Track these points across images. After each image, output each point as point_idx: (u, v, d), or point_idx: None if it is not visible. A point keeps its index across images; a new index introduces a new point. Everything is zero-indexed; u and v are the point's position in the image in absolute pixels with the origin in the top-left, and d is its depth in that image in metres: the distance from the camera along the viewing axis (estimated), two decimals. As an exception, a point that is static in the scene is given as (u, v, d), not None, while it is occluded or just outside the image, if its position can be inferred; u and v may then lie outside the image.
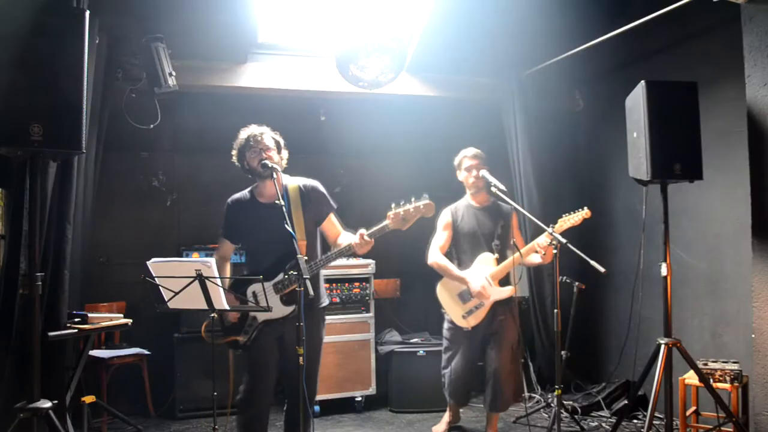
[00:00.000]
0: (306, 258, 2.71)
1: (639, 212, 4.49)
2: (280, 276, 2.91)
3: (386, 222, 2.83)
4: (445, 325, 3.90)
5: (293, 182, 3.08)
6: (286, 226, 2.72)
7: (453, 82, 5.23)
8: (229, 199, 3.14)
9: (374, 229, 2.84)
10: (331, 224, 3.14)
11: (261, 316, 2.96)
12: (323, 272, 3.26)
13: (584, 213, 3.66)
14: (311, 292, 2.55)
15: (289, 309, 2.91)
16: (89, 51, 2.46)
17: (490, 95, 5.26)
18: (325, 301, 3.15)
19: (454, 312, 3.78)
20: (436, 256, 3.82)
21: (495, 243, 3.80)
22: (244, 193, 3.15)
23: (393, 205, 2.83)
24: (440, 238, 3.86)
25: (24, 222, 2.85)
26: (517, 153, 5.10)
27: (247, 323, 2.99)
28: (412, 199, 2.83)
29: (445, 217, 3.89)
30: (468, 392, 4.02)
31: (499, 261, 3.76)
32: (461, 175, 3.90)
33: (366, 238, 2.82)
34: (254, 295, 2.92)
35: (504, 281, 3.78)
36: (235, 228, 3.12)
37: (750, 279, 3.29)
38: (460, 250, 3.86)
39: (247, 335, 2.97)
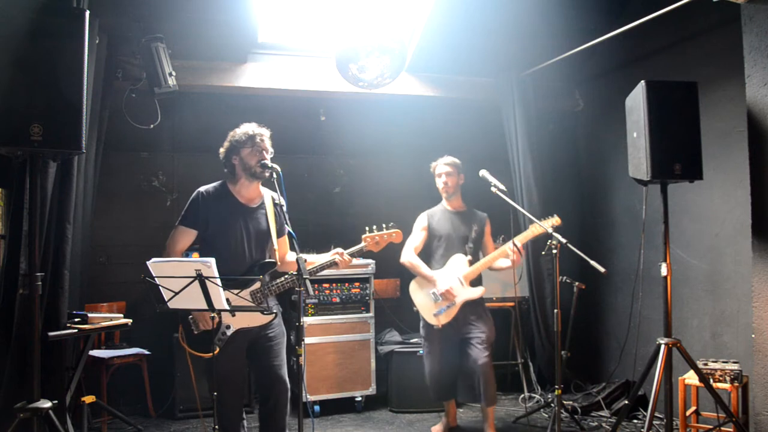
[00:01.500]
0: (279, 263, 2.76)
1: (639, 212, 4.50)
2: (257, 284, 2.91)
3: (363, 244, 3.15)
4: (421, 323, 4.02)
5: (267, 192, 3.10)
6: (285, 225, 2.77)
7: (453, 82, 5.24)
8: (202, 189, 3.02)
9: (353, 249, 3.12)
10: (284, 243, 3.18)
11: (237, 324, 2.92)
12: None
13: (553, 220, 3.75)
14: (311, 291, 2.55)
15: (270, 316, 2.94)
16: (89, 51, 2.46)
17: (490, 95, 5.26)
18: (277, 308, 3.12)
19: (425, 310, 3.91)
20: (409, 255, 3.99)
21: (468, 246, 3.98)
22: (216, 186, 3.04)
23: (367, 229, 3.19)
24: (416, 239, 4.04)
25: (24, 222, 2.85)
26: (517, 153, 5.10)
27: (221, 332, 2.92)
28: (383, 226, 3.20)
29: (421, 220, 4.08)
30: (451, 387, 4.08)
31: (471, 263, 3.91)
32: (436, 181, 4.09)
33: (346, 256, 3.06)
34: (228, 301, 2.71)
35: (475, 282, 3.92)
36: (206, 220, 2.97)
37: (750, 279, 3.29)
38: (434, 251, 4.03)
39: (221, 343, 2.91)
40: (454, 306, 3.83)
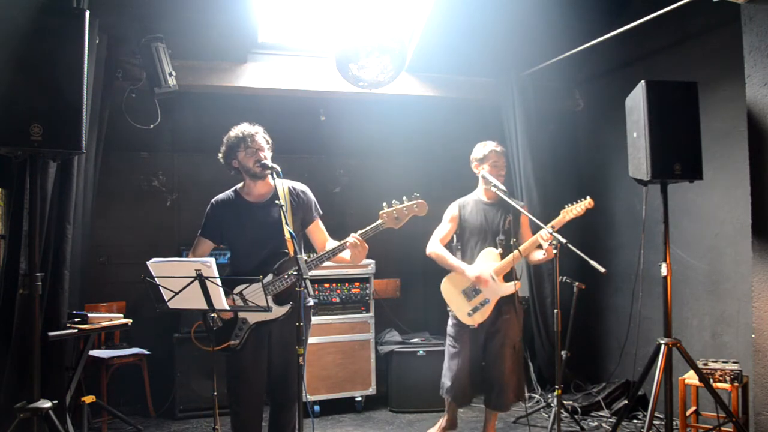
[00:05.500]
0: (306, 258, 2.70)
1: (639, 212, 4.50)
2: (270, 276, 2.89)
3: (379, 221, 2.87)
4: (450, 322, 3.77)
5: (282, 184, 3.04)
6: (285, 226, 2.75)
7: (453, 82, 5.23)
8: (213, 200, 3.08)
9: (368, 228, 2.87)
10: (319, 230, 3.13)
11: (253, 318, 2.92)
12: (319, 272, 3.21)
13: (587, 203, 3.62)
14: (311, 291, 2.54)
15: (284, 309, 2.88)
16: (89, 51, 2.46)
17: (490, 95, 5.26)
18: (310, 301, 3.06)
19: (459, 309, 3.66)
20: (435, 246, 3.73)
21: (499, 238, 3.71)
22: (228, 193, 3.09)
23: (385, 204, 2.88)
24: (442, 230, 3.78)
25: (24, 222, 2.85)
26: (517, 153, 5.10)
27: (237, 326, 2.92)
28: (404, 199, 2.90)
29: (452, 210, 3.81)
30: (472, 392, 3.84)
31: (503, 256, 3.67)
32: (484, 169, 3.74)
33: (359, 237, 2.82)
34: (241, 295, 2.82)
35: (508, 277, 3.69)
36: (219, 227, 3.04)
37: (750, 279, 3.29)
38: (466, 243, 3.78)
39: (239, 338, 2.91)
40: (489, 304, 3.62)
